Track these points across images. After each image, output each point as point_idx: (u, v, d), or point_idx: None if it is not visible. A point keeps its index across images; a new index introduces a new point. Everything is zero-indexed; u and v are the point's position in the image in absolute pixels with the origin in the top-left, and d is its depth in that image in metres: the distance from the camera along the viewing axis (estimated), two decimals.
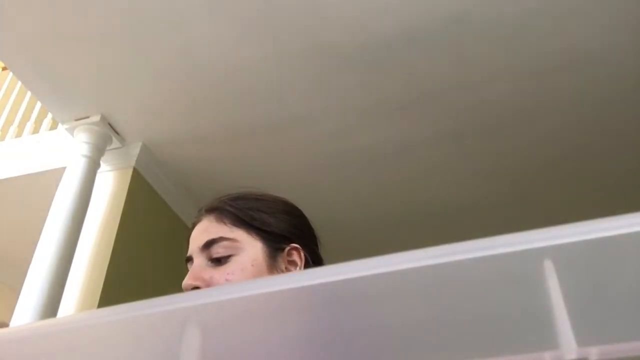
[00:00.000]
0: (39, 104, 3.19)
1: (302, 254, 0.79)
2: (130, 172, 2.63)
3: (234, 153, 2.71)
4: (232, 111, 2.50)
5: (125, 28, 2.13)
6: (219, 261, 0.76)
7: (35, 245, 2.23)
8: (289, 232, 0.81)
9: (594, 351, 0.18)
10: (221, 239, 0.77)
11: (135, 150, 2.66)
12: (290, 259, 0.79)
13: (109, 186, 2.61)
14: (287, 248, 0.79)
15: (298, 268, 0.78)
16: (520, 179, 2.86)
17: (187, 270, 0.82)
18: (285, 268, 0.77)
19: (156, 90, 2.40)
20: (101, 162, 2.56)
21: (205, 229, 0.80)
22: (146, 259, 2.56)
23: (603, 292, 0.20)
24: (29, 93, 3.33)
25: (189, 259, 0.80)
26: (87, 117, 2.51)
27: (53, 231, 2.21)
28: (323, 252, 0.87)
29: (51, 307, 2.07)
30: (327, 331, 0.21)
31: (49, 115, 3.06)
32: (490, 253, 0.20)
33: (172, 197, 2.88)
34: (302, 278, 0.21)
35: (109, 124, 2.55)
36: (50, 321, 0.29)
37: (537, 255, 0.20)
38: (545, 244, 0.20)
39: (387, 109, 2.46)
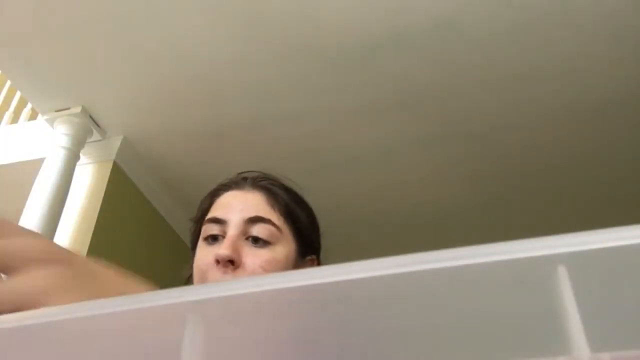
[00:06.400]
0: (18, 93, 3.12)
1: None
2: (110, 166, 2.60)
3: (217, 149, 2.69)
4: (216, 107, 2.48)
5: (109, 19, 2.11)
6: (256, 241, 0.73)
7: None
8: (316, 244, 0.82)
9: (606, 357, 0.19)
10: (270, 221, 0.74)
11: (116, 143, 2.63)
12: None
13: (88, 179, 2.57)
14: (308, 258, 0.80)
15: None
16: (508, 183, 2.88)
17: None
18: None
19: (139, 83, 2.37)
20: (81, 154, 2.52)
21: (254, 204, 0.76)
22: (125, 254, 2.52)
23: (617, 299, 0.20)
24: (8, 82, 3.26)
25: (218, 221, 0.75)
26: (68, 109, 2.47)
27: (30, 224, 2.17)
28: None
29: None
30: (336, 331, 0.21)
31: (29, 105, 3.00)
32: (503, 258, 0.20)
33: (152, 192, 2.85)
34: (311, 276, 0.21)
35: (90, 116, 2.51)
36: (38, 312, 0.27)
37: (552, 261, 0.20)
38: (560, 250, 0.20)
39: (372, 110, 2.47)
